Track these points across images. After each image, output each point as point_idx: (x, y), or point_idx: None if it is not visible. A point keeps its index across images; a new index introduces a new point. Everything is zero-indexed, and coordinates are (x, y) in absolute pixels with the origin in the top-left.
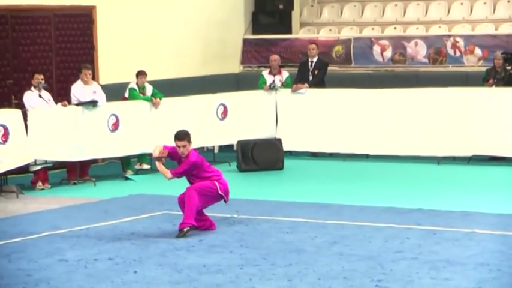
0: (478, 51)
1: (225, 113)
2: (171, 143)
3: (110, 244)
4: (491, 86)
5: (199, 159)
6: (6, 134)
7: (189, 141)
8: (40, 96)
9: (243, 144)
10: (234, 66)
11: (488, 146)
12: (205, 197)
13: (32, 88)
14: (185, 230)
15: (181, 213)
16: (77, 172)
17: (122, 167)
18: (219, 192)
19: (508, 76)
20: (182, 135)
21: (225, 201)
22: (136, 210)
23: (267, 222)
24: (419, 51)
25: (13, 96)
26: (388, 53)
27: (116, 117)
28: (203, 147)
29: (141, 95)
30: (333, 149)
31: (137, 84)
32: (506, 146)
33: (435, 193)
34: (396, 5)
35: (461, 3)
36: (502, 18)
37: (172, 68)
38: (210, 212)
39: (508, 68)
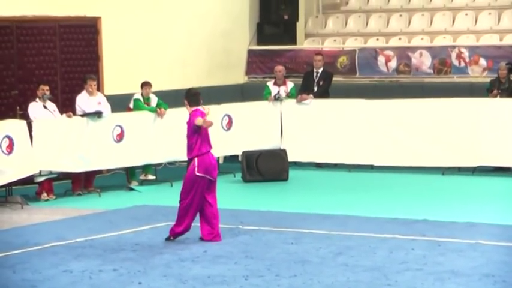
0: (482, 62)
1: (230, 123)
2: (176, 153)
3: (114, 255)
4: (496, 96)
5: (192, 119)
6: (11, 145)
7: (188, 102)
8: (45, 107)
9: (247, 154)
10: (238, 77)
11: (492, 157)
12: (191, 189)
13: (37, 99)
14: (171, 238)
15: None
16: (81, 183)
17: (126, 177)
18: (197, 174)
19: None
20: (185, 94)
21: (212, 179)
22: (141, 221)
23: (272, 233)
24: (424, 61)
25: (18, 107)
26: (393, 64)
27: (121, 128)
28: None
29: (146, 106)
30: (337, 159)
31: (142, 95)
32: (510, 156)
33: (440, 204)
34: (401, 15)
35: (466, 14)
36: (507, 29)
37: (176, 79)
38: None
39: None
